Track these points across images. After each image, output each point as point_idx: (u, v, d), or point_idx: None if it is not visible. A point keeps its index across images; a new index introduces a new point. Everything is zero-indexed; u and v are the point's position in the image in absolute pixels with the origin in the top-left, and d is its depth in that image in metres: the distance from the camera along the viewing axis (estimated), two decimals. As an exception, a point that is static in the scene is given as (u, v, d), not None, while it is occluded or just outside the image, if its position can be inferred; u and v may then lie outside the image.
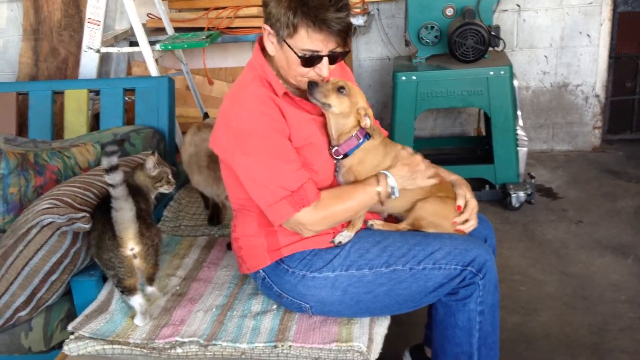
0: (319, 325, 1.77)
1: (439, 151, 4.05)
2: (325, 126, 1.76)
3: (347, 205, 1.70)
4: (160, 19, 3.48)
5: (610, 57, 3.93)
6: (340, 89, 1.68)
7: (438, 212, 1.79)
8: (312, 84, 1.65)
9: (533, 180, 3.39)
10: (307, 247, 1.76)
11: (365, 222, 1.82)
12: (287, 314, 1.84)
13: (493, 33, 3.27)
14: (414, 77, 3.35)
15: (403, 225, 1.81)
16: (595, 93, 4.00)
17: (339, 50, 1.65)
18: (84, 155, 2.29)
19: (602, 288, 2.66)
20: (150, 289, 1.86)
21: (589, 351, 2.30)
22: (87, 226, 1.85)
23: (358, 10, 3.65)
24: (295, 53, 1.63)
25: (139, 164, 2.01)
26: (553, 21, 3.89)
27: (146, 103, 2.67)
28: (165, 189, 2.00)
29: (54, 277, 1.86)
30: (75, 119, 2.71)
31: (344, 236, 1.77)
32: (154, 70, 3.03)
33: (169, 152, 2.65)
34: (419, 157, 1.78)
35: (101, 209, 1.80)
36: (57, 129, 2.82)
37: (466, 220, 1.81)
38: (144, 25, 3.30)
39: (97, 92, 2.79)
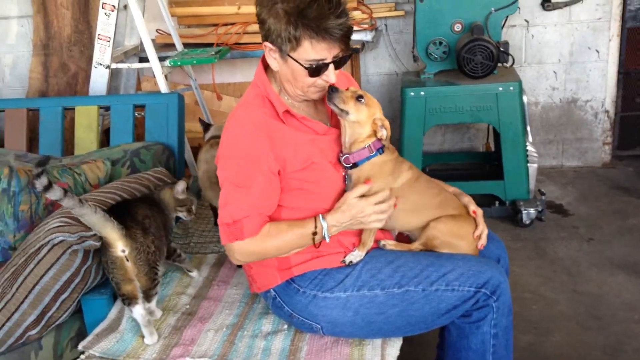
0: (330, 346, 1.76)
1: (448, 166, 4.04)
2: (328, 144, 1.76)
3: (279, 244, 1.70)
4: (169, 34, 3.50)
5: (619, 72, 3.92)
6: (359, 98, 1.69)
7: (452, 231, 1.77)
8: (333, 89, 1.66)
9: (543, 197, 3.37)
10: (318, 267, 1.75)
11: (377, 241, 1.81)
12: (298, 334, 1.82)
13: (502, 49, 3.27)
14: (423, 93, 3.34)
15: (416, 245, 1.80)
16: (605, 109, 3.99)
17: (342, 54, 1.66)
18: (94, 172, 2.29)
19: (614, 307, 2.63)
20: (146, 306, 1.85)
21: (603, 372, 2.27)
22: (98, 244, 1.84)
23: (366, 25, 3.66)
24: (302, 65, 1.63)
25: (172, 183, 2.07)
26: (562, 37, 3.88)
27: (156, 119, 2.68)
28: (184, 215, 2.04)
29: (64, 296, 1.85)
30: (86, 135, 2.72)
31: (355, 256, 1.75)
32: (163, 86, 3.04)
33: (178, 168, 2.65)
34: (363, 203, 1.67)
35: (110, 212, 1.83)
36: (67, 145, 2.82)
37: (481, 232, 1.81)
38: (153, 41, 3.32)
39: (107, 108, 2.80)
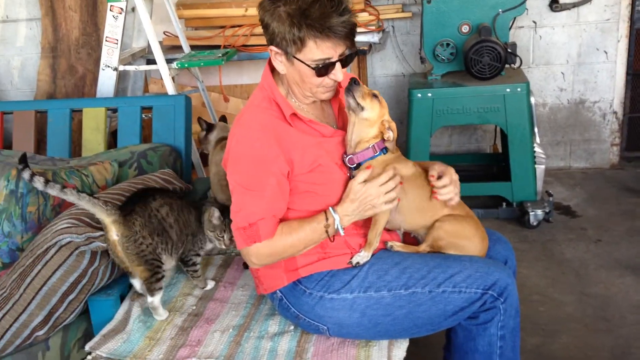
0: (336, 347, 1.75)
1: (455, 168, 4.00)
2: (335, 146, 1.76)
3: (293, 242, 1.69)
4: (177, 36, 3.52)
5: (627, 73, 3.90)
6: (374, 96, 1.71)
7: (457, 232, 1.77)
8: (354, 82, 1.67)
9: (551, 198, 3.35)
10: (325, 268, 1.75)
11: (384, 242, 1.80)
12: (305, 336, 1.82)
13: (509, 50, 3.26)
14: (430, 94, 3.34)
15: (423, 247, 1.79)
16: (613, 110, 3.97)
17: (348, 52, 1.66)
18: (102, 173, 2.29)
19: (623, 309, 2.61)
20: (149, 299, 1.88)
21: (612, 375, 2.26)
22: (105, 245, 1.85)
23: (373, 27, 3.66)
24: (308, 65, 1.63)
25: (219, 205, 2.03)
26: (570, 38, 3.87)
27: (163, 121, 2.68)
28: (210, 236, 2.00)
29: (71, 297, 1.86)
30: (93, 137, 2.73)
31: (362, 257, 1.75)
32: (170, 88, 3.05)
33: (185, 170, 2.65)
34: (368, 187, 1.68)
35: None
36: (75, 147, 2.84)
37: (445, 187, 1.77)
38: (160, 43, 3.34)
39: (114, 110, 2.81)
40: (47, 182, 1.81)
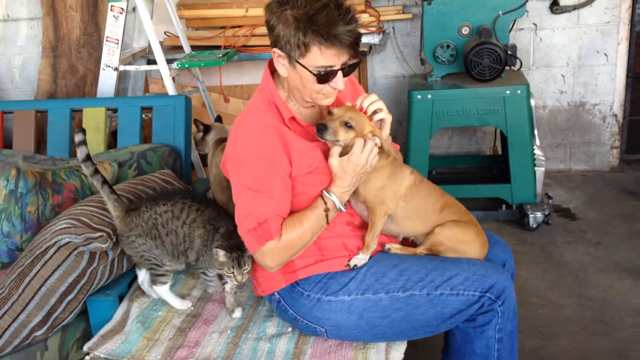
0: (334, 349, 1.75)
1: (455, 170, 4.03)
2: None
3: (302, 233, 1.68)
4: (177, 37, 3.52)
5: (627, 76, 3.90)
6: (347, 124, 1.67)
7: (457, 237, 1.77)
8: (321, 127, 1.65)
9: (550, 201, 3.35)
10: (323, 270, 1.75)
11: (381, 245, 1.80)
12: (302, 337, 1.82)
13: (509, 52, 3.26)
14: (430, 96, 3.34)
15: (420, 250, 1.80)
16: (613, 112, 3.97)
17: (351, 61, 1.66)
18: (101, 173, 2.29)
19: (622, 312, 2.61)
20: (154, 287, 1.94)
21: (609, 378, 2.26)
22: (104, 245, 1.85)
23: (373, 28, 3.66)
24: (310, 71, 1.63)
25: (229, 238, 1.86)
26: (570, 40, 3.87)
27: (163, 121, 2.69)
28: (225, 274, 1.84)
29: (70, 297, 1.86)
30: (93, 137, 2.73)
31: (360, 259, 1.75)
32: (171, 89, 3.06)
33: (184, 170, 2.66)
34: (351, 158, 1.66)
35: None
36: (75, 147, 2.83)
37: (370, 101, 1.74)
38: (161, 43, 3.34)
39: (114, 110, 2.81)
40: (86, 159, 1.89)
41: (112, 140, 2.98)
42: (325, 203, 1.69)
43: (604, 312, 2.62)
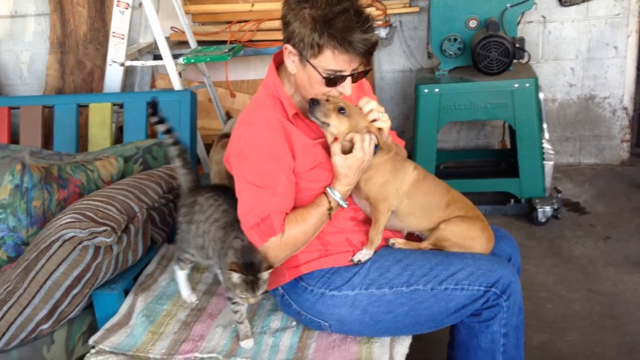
0: (338, 343, 1.75)
1: (463, 164, 4.00)
2: None
3: (305, 229, 1.67)
4: (183, 32, 3.52)
5: (638, 69, 3.85)
6: (341, 110, 1.65)
7: (462, 233, 1.75)
8: (314, 102, 1.63)
9: (560, 195, 3.33)
10: (327, 265, 1.74)
11: (386, 240, 1.79)
12: (306, 332, 1.82)
13: (517, 45, 3.23)
14: (437, 90, 3.32)
15: (425, 245, 1.78)
16: (623, 105, 3.92)
17: (362, 68, 1.65)
18: (107, 168, 2.30)
19: (631, 307, 2.58)
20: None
21: (618, 373, 2.24)
22: (109, 240, 1.86)
23: (380, 22, 3.64)
24: (319, 73, 1.62)
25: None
26: (579, 33, 3.83)
27: (169, 117, 2.68)
28: (236, 295, 1.68)
29: (75, 291, 1.86)
30: (99, 132, 2.74)
31: (364, 254, 1.74)
32: (177, 84, 3.06)
33: (190, 166, 2.65)
34: (353, 156, 1.65)
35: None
36: (82, 142, 2.85)
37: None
38: (167, 38, 3.34)
39: (121, 105, 2.82)
40: (167, 131, 1.92)
41: (118, 135, 2.98)
42: (329, 202, 1.68)
43: (613, 306, 2.59)
